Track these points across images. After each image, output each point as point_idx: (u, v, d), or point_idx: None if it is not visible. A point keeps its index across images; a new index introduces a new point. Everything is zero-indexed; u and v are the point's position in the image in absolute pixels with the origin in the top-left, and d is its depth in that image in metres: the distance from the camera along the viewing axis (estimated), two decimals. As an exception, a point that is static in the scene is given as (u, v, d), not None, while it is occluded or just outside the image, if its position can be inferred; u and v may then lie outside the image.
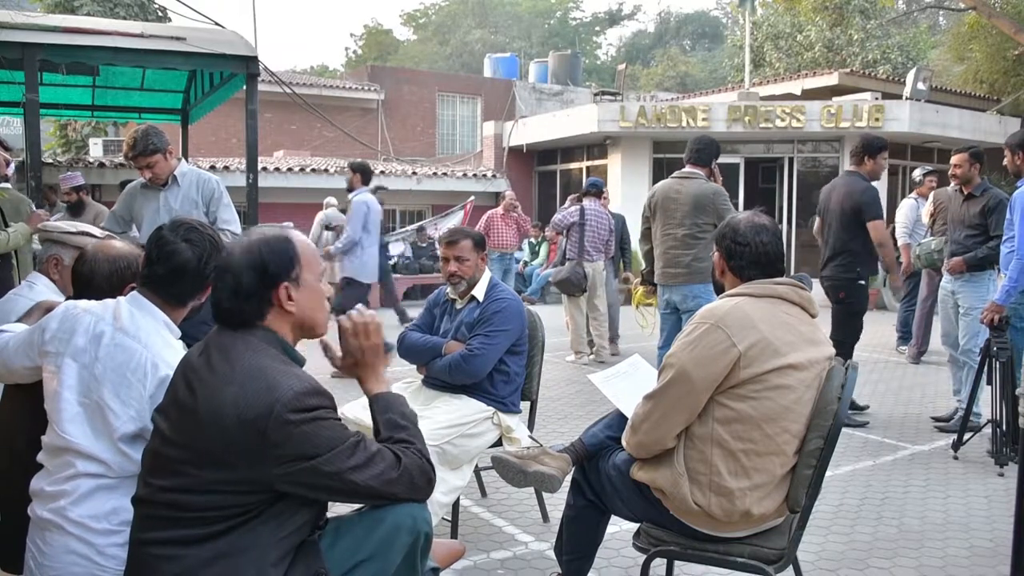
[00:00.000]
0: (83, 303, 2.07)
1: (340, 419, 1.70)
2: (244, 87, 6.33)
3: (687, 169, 5.18)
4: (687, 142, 5.32)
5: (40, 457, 1.96)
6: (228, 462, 1.59)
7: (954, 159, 4.97)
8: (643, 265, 5.55)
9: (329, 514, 1.86)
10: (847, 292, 5.19)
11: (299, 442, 1.59)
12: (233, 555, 1.60)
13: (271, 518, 1.64)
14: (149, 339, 1.96)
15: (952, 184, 5.11)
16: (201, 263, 2.07)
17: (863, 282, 5.20)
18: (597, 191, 7.58)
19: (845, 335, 5.16)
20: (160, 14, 12.81)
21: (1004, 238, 4.48)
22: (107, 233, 2.87)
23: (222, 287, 1.73)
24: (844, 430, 2.42)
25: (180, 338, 2.09)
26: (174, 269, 2.05)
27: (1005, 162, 4.55)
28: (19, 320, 2.40)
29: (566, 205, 7.83)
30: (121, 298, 2.07)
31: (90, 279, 2.27)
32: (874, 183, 5.25)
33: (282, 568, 1.65)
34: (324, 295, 1.87)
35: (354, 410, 3.11)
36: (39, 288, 2.68)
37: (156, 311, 2.03)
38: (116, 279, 2.25)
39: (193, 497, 1.62)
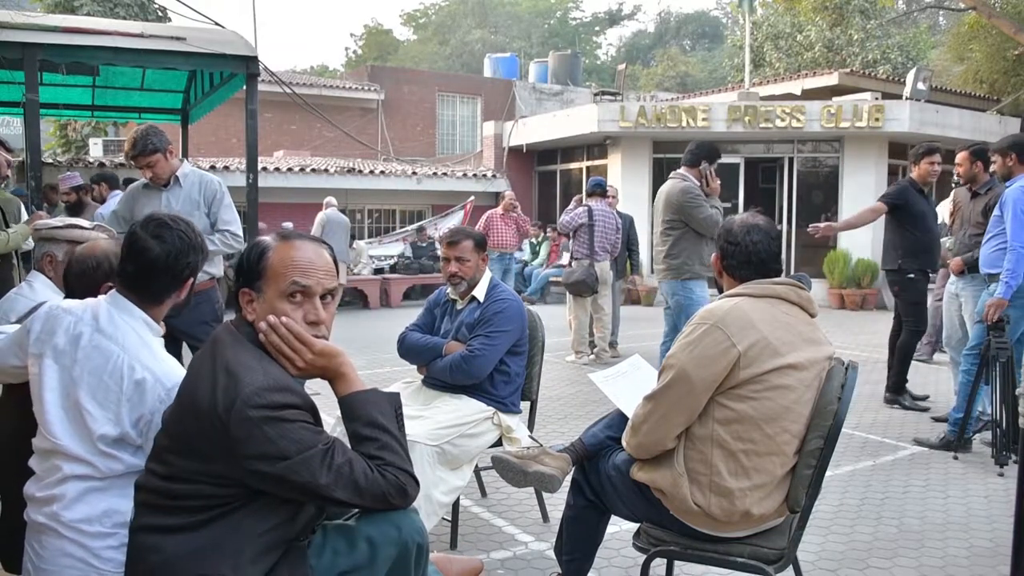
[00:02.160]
0: (66, 303, 2.06)
1: (310, 421, 1.63)
2: (244, 87, 6.32)
3: (677, 171, 5.41)
4: (688, 144, 5.53)
5: (31, 462, 1.95)
6: (203, 453, 1.60)
7: (956, 158, 5.03)
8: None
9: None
10: (900, 286, 5.56)
11: (260, 441, 1.55)
12: (212, 548, 1.60)
13: (251, 512, 1.62)
14: (127, 340, 1.94)
15: (958, 183, 5.16)
16: (171, 259, 2.01)
17: (912, 275, 5.49)
18: (602, 191, 7.57)
19: (918, 324, 5.55)
20: (160, 14, 12.81)
21: (988, 236, 4.45)
22: (96, 224, 2.87)
23: None
24: (844, 430, 2.42)
25: (185, 340, 2.08)
26: (144, 266, 2.00)
27: (994, 167, 4.55)
28: (20, 320, 2.40)
29: (571, 207, 7.81)
30: (102, 297, 2.04)
31: (65, 280, 2.30)
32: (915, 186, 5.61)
33: (262, 566, 1.63)
34: (290, 320, 1.69)
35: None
36: (38, 287, 2.69)
37: (134, 310, 2.00)
38: (87, 279, 2.24)
39: (176, 485, 1.63)
